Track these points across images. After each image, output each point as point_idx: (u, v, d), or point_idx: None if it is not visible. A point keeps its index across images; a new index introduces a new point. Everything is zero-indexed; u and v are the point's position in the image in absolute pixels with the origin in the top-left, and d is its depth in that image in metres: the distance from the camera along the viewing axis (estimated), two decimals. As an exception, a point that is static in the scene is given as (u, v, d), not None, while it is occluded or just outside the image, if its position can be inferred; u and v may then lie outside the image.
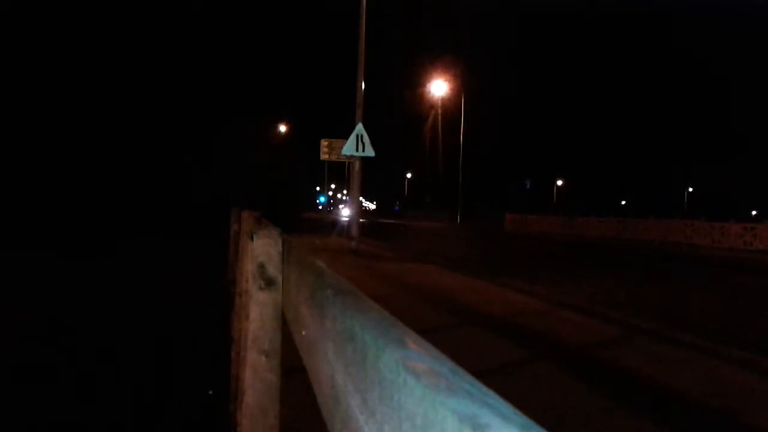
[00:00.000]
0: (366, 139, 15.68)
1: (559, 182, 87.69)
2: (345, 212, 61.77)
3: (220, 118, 28.50)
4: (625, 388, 4.93)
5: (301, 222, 35.19)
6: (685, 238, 28.53)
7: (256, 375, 1.97)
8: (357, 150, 15.70)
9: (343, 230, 25.74)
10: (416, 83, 56.44)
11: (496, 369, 5.12)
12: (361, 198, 20.17)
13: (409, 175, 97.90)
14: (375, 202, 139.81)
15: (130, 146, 24.70)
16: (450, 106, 54.02)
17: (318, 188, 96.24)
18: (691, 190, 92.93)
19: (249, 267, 2.13)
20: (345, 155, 16.83)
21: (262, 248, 1.97)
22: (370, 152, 15.81)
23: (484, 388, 0.49)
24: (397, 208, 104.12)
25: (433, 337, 0.77)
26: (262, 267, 1.96)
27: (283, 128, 51.33)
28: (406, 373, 0.52)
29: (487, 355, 5.61)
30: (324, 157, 19.95)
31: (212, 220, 17.55)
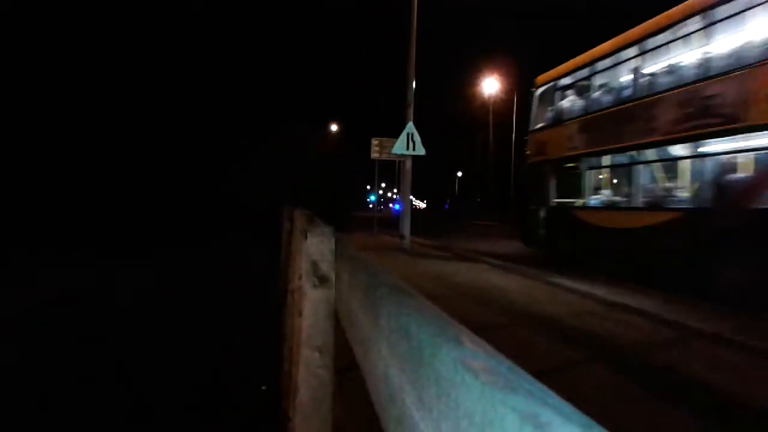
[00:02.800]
0: (416, 137, 15.66)
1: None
2: None
3: (275, 121, 29.01)
4: (684, 392, 4.80)
5: (352, 221, 35.49)
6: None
7: (309, 371, 1.99)
8: (407, 149, 15.69)
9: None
10: (468, 81, 55.99)
11: (551, 370, 5.05)
12: (411, 197, 20.17)
13: (459, 174, 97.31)
14: (425, 201, 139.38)
15: (195, 150, 25.40)
16: (502, 104, 53.52)
17: (369, 187, 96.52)
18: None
19: (302, 265, 2.16)
20: (395, 154, 16.85)
21: (315, 246, 1.99)
22: (420, 151, 15.78)
23: (544, 388, 0.49)
24: (447, 206, 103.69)
25: (485, 336, 0.77)
26: (315, 265, 1.99)
27: (334, 128, 51.70)
28: (464, 372, 0.52)
29: (541, 356, 5.54)
30: (374, 155, 20.02)
31: (266, 221, 17.84)
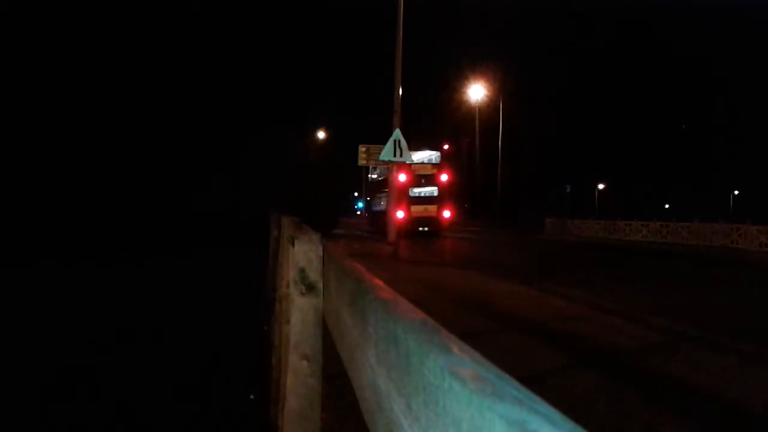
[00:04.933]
0: (403, 144, 15.69)
1: (601, 186, 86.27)
2: None
3: (259, 128, 29.04)
4: (671, 394, 4.82)
5: (340, 227, 35.60)
6: (731, 242, 27.79)
7: (298, 379, 1.98)
8: (395, 155, 15.72)
9: None
10: (454, 88, 56.14)
11: (538, 376, 5.06)
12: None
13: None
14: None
15: (176, 158, 25.32)
16: (488, 110, 53.66)
17: (356, 194, 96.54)
18: (736, 192, 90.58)
19: (290, 272, 2.15)
20: (383, 160, 16.88)
21: (302, 254, 1.98)
22: (407, 157, 15.82)
23: (531, 394, 0.48)
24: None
25: (473, 342, 0.77)
26: (302, 272, 1.97)
27: (321, 135, 51.73)
28: (451, 379, 0.52)
29: (528, 362, 5.55)
30: (362, 162, 20.01)
31: (253, 228, 17.77)
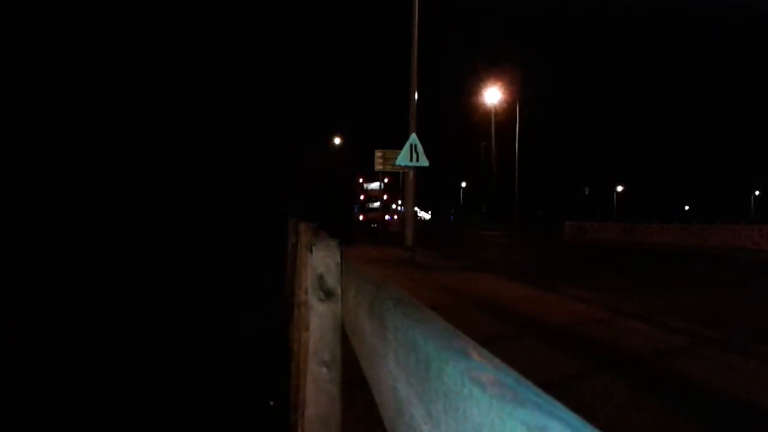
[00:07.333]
0: (420, 148, 15.69)
1: (619, 188, 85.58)
2: None
3: (277, 135, 29.29)
4: (692, 399, 4.76)
5: (356, 232, 35.72)
6: (752, 243, 27.44)
7: (317, 386, 1.98)
8: (411, 160, 15.72)
9: None
10: (470, 92, 56.07)
11: (557, 381, 5.02)
12: (415, 208, 20.18)
13: (464, 184, 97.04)
14: (429, 212, 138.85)
15: (196, 164, 25.62)
16: (505, 114, 53.50)
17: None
18: (757, 193, 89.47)
19: (308, 279, 2.15)
20: (399, 165, 16.88)
21: (321, 260, 1.99)
22: (424, 162, 15.82)
23: (552, 400, 0.48)
24: (452, 217, 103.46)
25: (492, 347, 0.77)
26: (321, 278, 1.98)
27: (337, 140, 52.03)
28: (471, 384, 0.52)
29: (548, 366, 5.51)
30: (378, 167, 20.04)
31: (270, 233, 17.86)
